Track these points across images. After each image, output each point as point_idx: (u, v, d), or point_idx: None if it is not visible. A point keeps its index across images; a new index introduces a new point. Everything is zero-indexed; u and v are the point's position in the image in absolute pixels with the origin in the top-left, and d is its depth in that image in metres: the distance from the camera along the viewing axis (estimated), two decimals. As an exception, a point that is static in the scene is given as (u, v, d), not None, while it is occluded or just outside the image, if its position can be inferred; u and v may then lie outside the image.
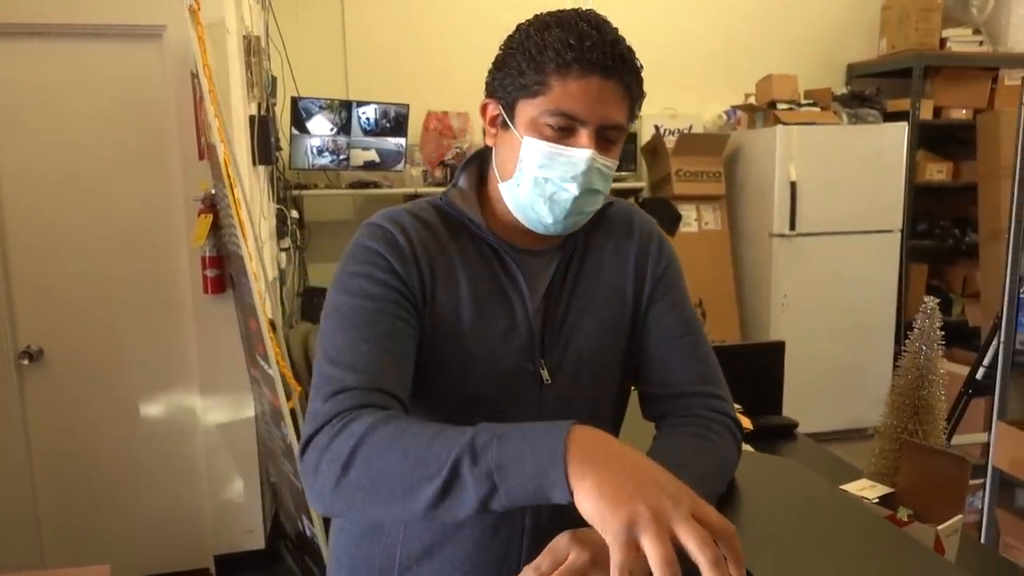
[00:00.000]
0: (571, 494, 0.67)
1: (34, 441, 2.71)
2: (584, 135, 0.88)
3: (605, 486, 0.65)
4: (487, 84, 0.95)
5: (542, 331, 0.97)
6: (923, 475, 1.10)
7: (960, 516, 1.06)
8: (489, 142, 0.98)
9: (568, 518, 0.98)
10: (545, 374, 0.97)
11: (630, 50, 0.90)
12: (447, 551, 0.97)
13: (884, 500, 1.11)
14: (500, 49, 0.93)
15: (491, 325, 0.95)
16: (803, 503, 0.96)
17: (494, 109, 0.94)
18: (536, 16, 0.92)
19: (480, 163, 1.02)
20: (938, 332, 1.15)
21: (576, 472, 0.67)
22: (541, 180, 0.91)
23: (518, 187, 0.94)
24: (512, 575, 0.98)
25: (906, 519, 1.06)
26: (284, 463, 2.47)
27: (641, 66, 0.92)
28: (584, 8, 0.93)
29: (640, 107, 0.95)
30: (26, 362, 2.63)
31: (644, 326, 1.05)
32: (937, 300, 1.18)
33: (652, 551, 0.61)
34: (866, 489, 1.13)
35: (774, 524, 0.93)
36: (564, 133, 0.89)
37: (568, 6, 0.94)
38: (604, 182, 0.93)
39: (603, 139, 0.90)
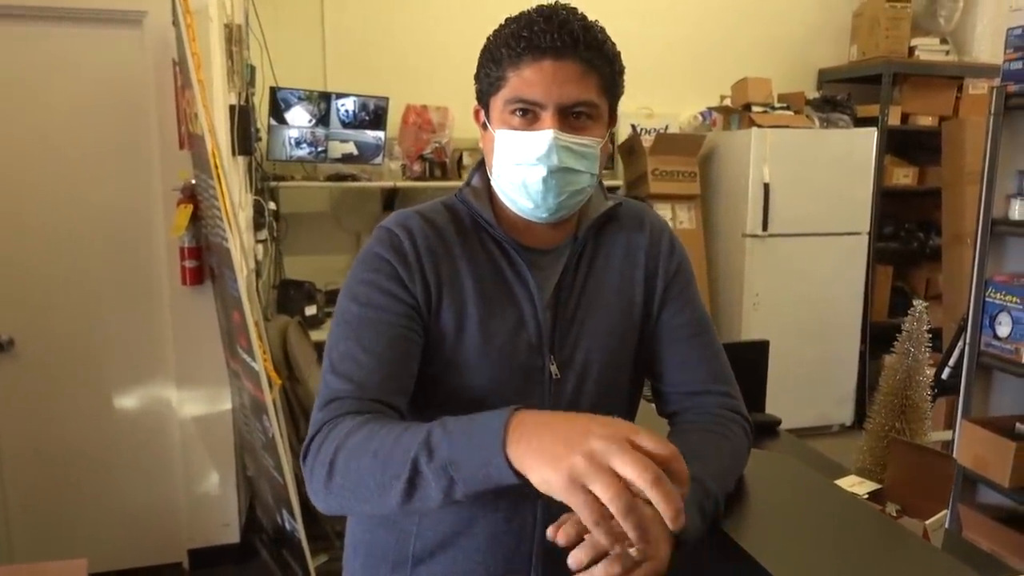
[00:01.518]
0: (518, 475, 0.70)
1: (3, 435, 2.65)
2: (546, 117, 0.92)
3: (541, 455, 0.68)
4: (476, 95, 1.00)
5: (552, 327, 0.99)
6: (910, 472, 1.15)
7: (945, 512, 1.10)
8: (481, 144, 1.02)
9: None
10: (554, 369, 0.99)
11: (588, 28, 0.92)
12: (461, 543, 0.99)
13: (873, 496, 1.15)
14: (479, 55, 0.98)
15: (500, 323, 0.97)
16: (805, 498, 1.00)
17: (479, 114, 1.00)
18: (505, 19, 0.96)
19: None
20: (926, 335, 1.20)
21: (515, 453, 0.70)
22: (513, 167, 0.95)
23: (499, 179, 0.98)
24: (524, 567, 1.00)
25: (894, 514, 1.11)
26: (264, 456, 2.45)
27: (609, 41, 0.94)
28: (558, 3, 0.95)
29: (620, 82, 0.98)
30: (-4, 352, 2.58)
31: (657, 325, 1.07)
32: (926, 304, 1.22)
33: (601, 493, 0.63)
34: (855, 485, 1.17)
35: (780, 518, 0.97)
36: (530, 120, 0.93)
37: (547, 2, 0.97)
38: (580, 160, 0.94)
39: (572, 118, 0.93)
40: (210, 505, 2.86)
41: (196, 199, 2.54)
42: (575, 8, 0.94)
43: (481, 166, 1.06)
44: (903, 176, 4.47)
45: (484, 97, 0.98)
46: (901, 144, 4.50)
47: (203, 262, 2.66)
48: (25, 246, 2.59)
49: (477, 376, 0.96)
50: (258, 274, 3.33)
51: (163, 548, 2.87)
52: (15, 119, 2.52)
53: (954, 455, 2.56)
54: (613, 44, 0.95)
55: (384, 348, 0.92)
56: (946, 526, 2.39)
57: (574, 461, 0.65)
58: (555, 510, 0.99)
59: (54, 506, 2.73)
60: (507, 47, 0.91)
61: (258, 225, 3.32)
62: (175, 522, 2.85)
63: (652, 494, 0.63)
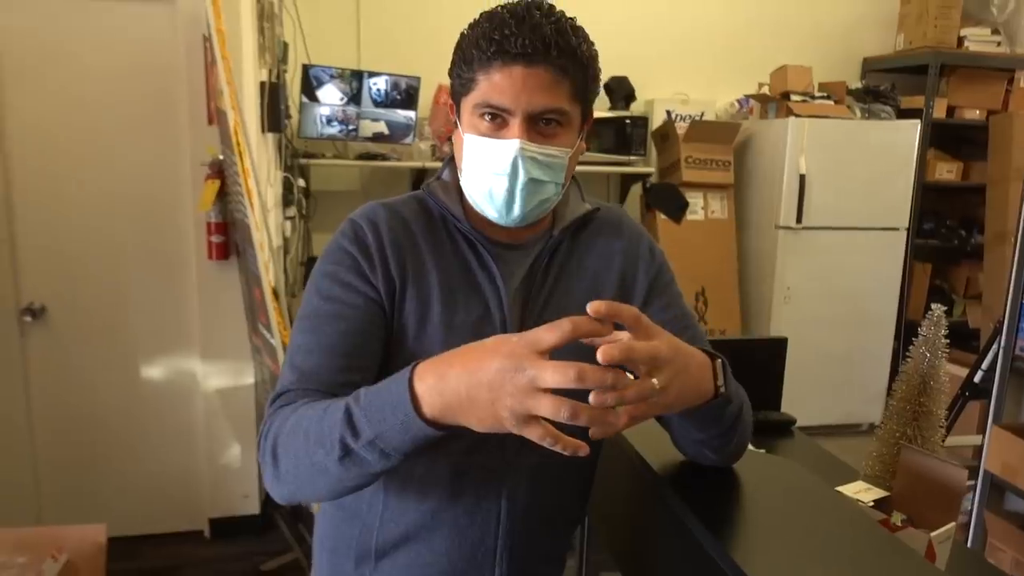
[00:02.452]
0: (440, 426, 0.72)
1: (34, 399, 2.73)
2: (514, 124, 0.89)
3: (460, 405, 0.70)
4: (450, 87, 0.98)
5: (519, 323, 0.98)
6: (919, 481, 1.11)
7: (953, 524, 1.07)
8: (454, 139, 1.00)
9: (542, 501, 1.02)
10: None
11: (561, 32, 0.88)
12: (424, 537, 0.99)
13: (879, 504, 1.12)
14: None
15: (464, 315, 0.96)
16: (799, 505, 0.97)
17: (452, 110, 0.98)
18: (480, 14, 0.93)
19: None
20: (943, 340, 1.16)
21: (431, 411, 0.72)
22: (479, 174, 0.93)
23: (467, 182, 0.96)
24: (488, 560, 1.00)
25: (900, 524, 1.08)
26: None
27: (585, 45, 0.90)
28: None
29: (595, 86, 0.95)
30: (29, 319, 2.65)
31: None
32: (944, 308, 1.18)
33: (544, 414, 0.66)
34: (862, 492, 1.14)
35: (768, 525, 0.94)
36: (497, 126, 0.91)
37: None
38: (545, 171, 0.92)
39: (542, 125, 0.91)
40: (231, 476, 2.92)
41: (223, 175, 2.56)
42: (551, 6, 0.91)
43: (453, 159, 1.04)
44: (946, 171, 4.33)
45: (456, 96, 0.96)
46: (946, 138, 4.36)
47: (229, 237, 2.69)
48: (59, 217, 2.64)
49: None
50: (286, 251, 3.37)
51: (186, 516, 2.93)
52: (50, 91, 2.57)
53: (983, 461, 2.49)
54: (590, 46, 0.92)
55: (338, 340, 0.92)
56: (970, 536, 2.32)
57: (499, 415, 0.67)
58: (518, 507, 1.00)
59: (81, 471, 2.81)
60: (478, 48, 0.88)
61: (287, 202, 3.34)
62: (197, 491, 2.92)
63: (585, 387, 0.65)
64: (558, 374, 0.65)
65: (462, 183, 0.98)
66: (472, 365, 0.69)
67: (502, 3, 0.91)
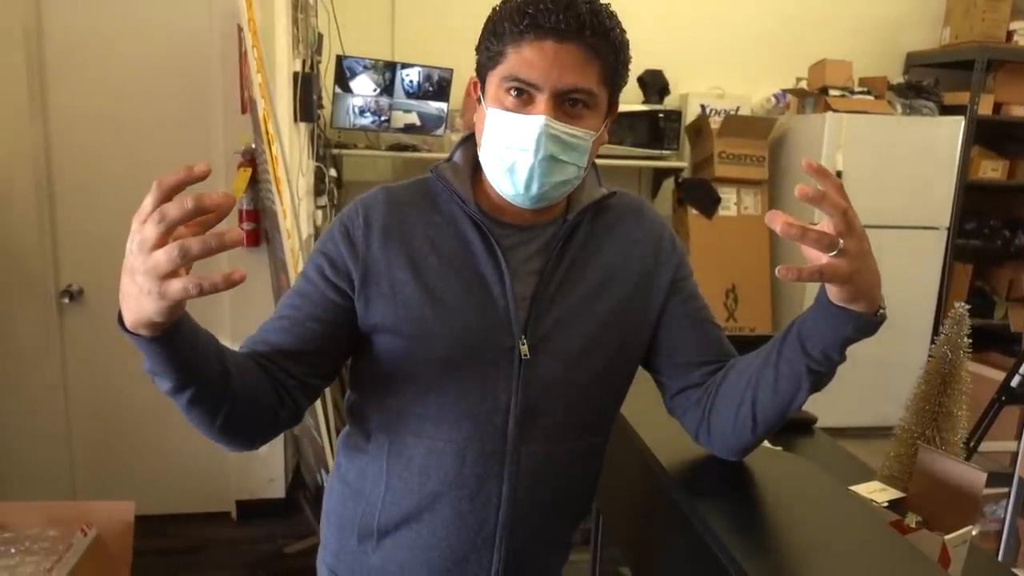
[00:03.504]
0: (153, 334, 0.75)
1: (71, 378, 2.80)
2: (541, 101, 0.89)
3: (135, 310, 0.73)
4: (475, 67, 0.98)
5: (528, 308, 0.97)
6: (936, 483, 1.09)
7: (970, 527, 1.04)
8: (475, 118, 0.99)
9: (544, 488, 1.01)
10: (524, 349, 0.97)
11: (596, 12, 0.88)
12: (425, 519, 1.00)
13: (894, 505, 1.10)
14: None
15: (467, 300, 0.96)
16: (807, 503, 0.96)
17: (476, 87, 0.98)
18: None
19: (475, 141, 1.03)
20: (965, 340, 1.12)
21: (127, 321, 0.75)
22: (501, 149, 0.92)
23: (486, 158, 0.96)
24: (488, 545, 1.00)
25: (914, 525, 1.05)
26: (307, 417, 2.52)
27: (618, 30, 0.91)
28: None
29: (624, 73, 0.95)
30: (67, 301, 2.72)
31: (664, 314, 1.06)
32: (967, 307, 1.14)
33: (162, 265, 0.68)
34: (876, 492, 1.12)
35: (773, 522, 0.93)
36: (524, 101, 0.90)
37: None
38: (568, 151, 0.92)
39: (568, 105, 0.90)
40: (258, 460, 2.97)
41: (255, 163, 2.61)
42: None
43: (465, 142, 1.05)
44: (991, 169, 4.20)
45: (482, 71, 0.96)
46: (992, 135, 4.23)
47: (260, 225, 2.74)
48: (97, 202, 2.71)
49: (442, 351, 0.96)
50: (317, 239, 3.41)
51: (213, 497, 3.00)
52: (91, 80, 2.64)
53: (1017, 467, 2.42)
54: (622, 32, 0.92)
55: (295, 317, 0.96)
56: (1002, 545, 2.26)
57: (142, 284, 0.69)
58: (520, 492, 1.00)
59: (115, 450, 2.88)
60: (510, 22, 0.88)
61: (319, 191, 3.38)
62: (225, 474, 2.98)
63: (173, 218, 0.67)
64: (151, 223, 0.67)
65: (481, 159, 0.97)
66: (123, 266, 0.71)
67: None
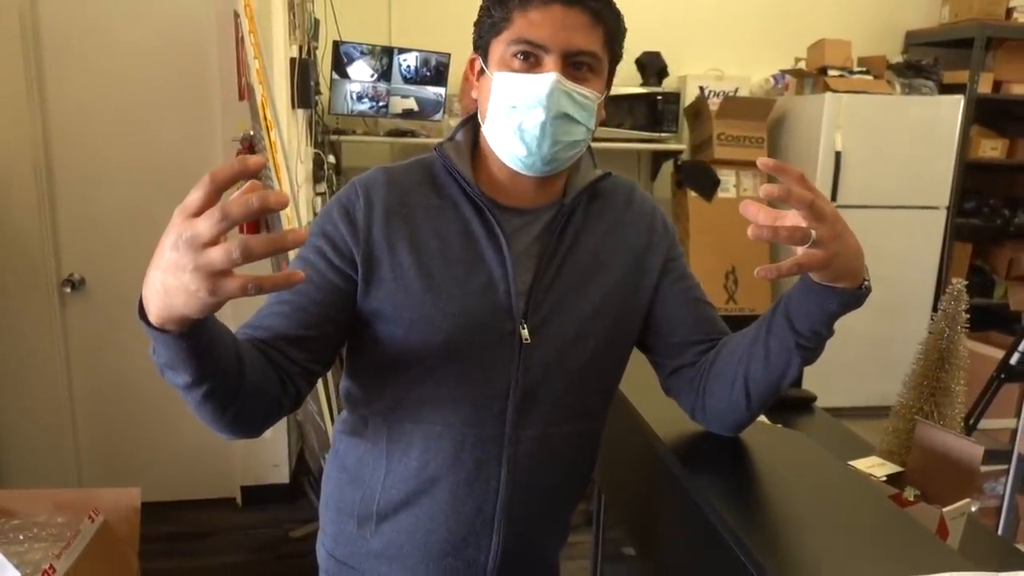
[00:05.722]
0: (179, 329, 0.71)
1: (75, 368, 2.82)
2: (549, 61, 0.91)
3: (169, 306, 0.68)
4: (473, 41, 0.98)
5: (529, 292, 0.98)
6: (934, 457, 1.10)
7: (967, 500, 1.05)
8: (475, 95, 0.99)
9: (543, 472, 1.02)
10: (525, 334, 0.97)
11: None
12: (424, 502, 1.01)
13: (892, 479, 1.11)
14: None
15: (467, 283, 0.96)
16: (805, 477, 0.97)
17: (476, 62, 0.98)
18: None
19: (475, 122, 1.03)
20: (963, 315, 1.13)
21: (154, 317, 0.71)
22: (510, 109, 0.93)
23: (493, 123, 0.95)
24: (487, 528, 1.01)
25: (912, 499, 1.07)
26: (309, 402, 2.53)
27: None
28: None
29: (622, 40, 0.97)
30: (68, 290, 2.73)
31: (658, 294, 1.06)
32: (965, 283, 1.15)
33: (218, 262, 0.63)
34: (875, 467, 1.13)
35: (772, 497, 0.94)
36: (532, 64, 0.92)
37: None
38: (579, 110, 0.93)
39: (574, 67, 0.92)
40: (262, 446, 2.99)
41: (253, 150, 2.60)
42: None
43: (467, 122, 1.04)
44: (991, 148, 4.19)
45: (484, 40, 0.96)
46: (991, 114, 4.21)
47: (259, 212, 2.74)
48: (96, 191, 2.71)
49: (442, 335, 0.96)
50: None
51: (218, 483, 3.02)
52: (90, 65, 2.63)
53: (1016, 444, 2.44)
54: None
55: (289, 297, 0.94)
56: (1001, 521, 2.28)
57: (188, 280, 0.65)
58: (519, 476, 1.00)
59: (120, 438, 2.90)
60: None
61: (317, 178, 3.38)
62: (230, 460, 3.00)
63: (235, 217, 0.63)
64: (209, 220, 0.63)
65: (486, 129, 0.97)
66: (156, 259, 0.67)
67: None
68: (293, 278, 0.66)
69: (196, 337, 0.73)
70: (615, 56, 0.97)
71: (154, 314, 0.70)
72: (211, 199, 0.64)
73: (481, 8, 0.96)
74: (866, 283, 0.88)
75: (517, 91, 0.91)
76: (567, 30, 0.89)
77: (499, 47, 0.93)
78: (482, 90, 0.97)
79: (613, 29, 0.94)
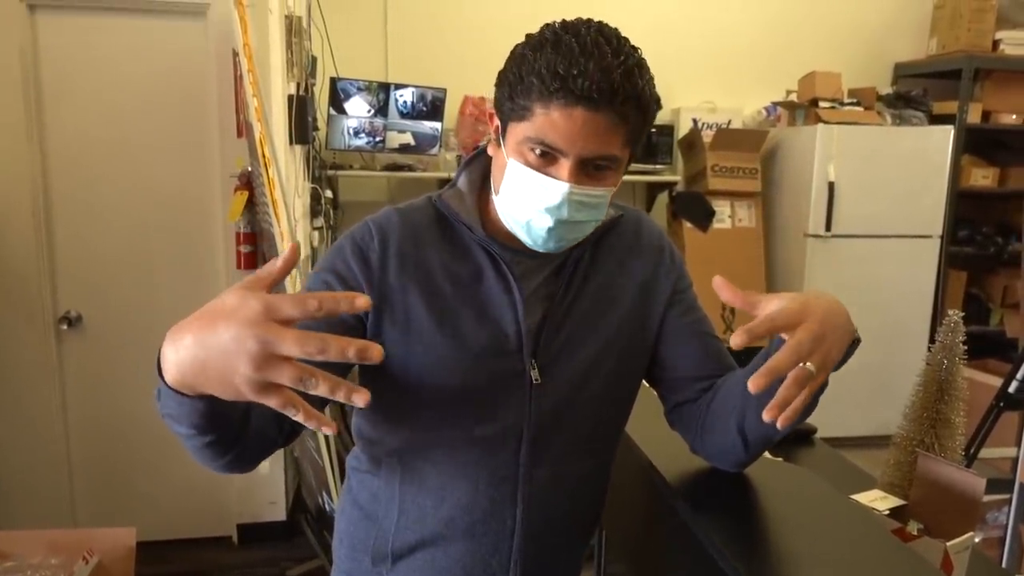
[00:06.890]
0: (185, 390, 0.69)
1: (70, 405, 2.80)
2: (565, 167, 0.87)
3: (207, 377, 0.65)
4: (494, 101, 0.94)
5: (538, 333, 0.98)
6: (936, 490, 1.09)
7: (971, 533, 1.05)
8: (490, 151, 0.98)
9: (557, 511, 1.02)
10: (535, 375, 0.97)
11: (629, 73, 0.84)
12: (439, 544, 1.00)
13: (895, 512, 1.10)
14: (505, 63, 0.91)
15: (479, 324, 0.96)
16: (809, 513, 0.96)
17: (493, 119, 0.96)
18: (542, 28, 0.88)
19: (484, 163, 1.02)
20: (960, 347, 1.13)
21: (171, 378, 0.68)
22: (521, 205, 0.92)
23: (504, 203, 0.95)
24: (503, 568, 1.01)
25: (915, 533, 1.06)
26: (307, 439, 2.52)
27: (648, 87, 0.87)
28: (597, 21, 0.88)
29: (650, 125, 0.92)
30: (65, 327, 2.72)
31: (664, 327, 1.06)
32: (962, 314, 1.15)
33: (284, 379, 0.62)
34: (877, 500, 1.12)
35: (776, 533, 0.94)
36: (547, 161, 0.88)
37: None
38: (589, 211, 0.91)
39: (591, 168, 0.89)
40: (259, 483, 2.96)
41: (251, 186, 2.62)
42: (620, 37, 0.87)
43: (469, 163, 1.03)
44: (982, 177, 4.24)
45: (503, 116, 0.91)
46: (981, 143, 4.27)
47: (257, 247, 2.75)
48: (94, 228, 2.72)
49: (454, 378, 0.95)
50: (314, 260, 3.42)
51: (214, 521, 2.98)
52: (86, 107, 2.66)
53: (1018, 473, 2.42)
54: (652, 87, 0.88)
55: None
56: (1005, 552, 2.26)
57: (237, 372, 0.62)
58: (534, 515, 1.00)
59: (115, 476, 2.87)
60: (539, 79, 0.84)
61: (315, 213, 3.40)
62: (226, 497, 2.96)
63: (328, 358, 0.61)
64: (298, 344, 0.61)
65: (497, 204, 0.96)
66: (205, 332, 0.64)
67: (561, 24, 0.87)
68: (323, 426, 0.66)
69: (212, 401, 0.71)
70: (639, 142, 0.92)
71: (176, 379, 0.68)
72: (304, 319, 0.63)
73: (503, 76, 0.90)
74: (856, 338, 0.89)
75: (529, 189, 0.90)
76: (586, 137, 0.85)
77: (517, 133, 0.89)
78: (497, 159, 0.95)
79: (638, 124, 0.88)
